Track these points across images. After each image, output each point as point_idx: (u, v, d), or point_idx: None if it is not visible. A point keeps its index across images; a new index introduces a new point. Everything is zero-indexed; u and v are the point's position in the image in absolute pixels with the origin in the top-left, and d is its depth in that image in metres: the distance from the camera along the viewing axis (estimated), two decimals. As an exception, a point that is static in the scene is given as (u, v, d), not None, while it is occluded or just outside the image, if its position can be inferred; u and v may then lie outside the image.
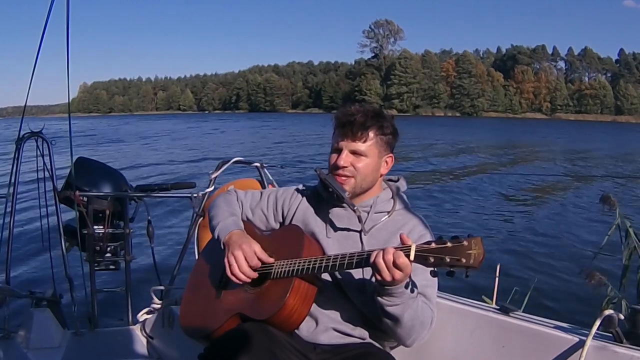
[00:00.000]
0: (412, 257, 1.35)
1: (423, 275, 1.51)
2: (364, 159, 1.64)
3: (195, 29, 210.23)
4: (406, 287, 1.44)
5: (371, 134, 1.63)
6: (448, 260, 1.30)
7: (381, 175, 1.71)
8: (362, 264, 1.44)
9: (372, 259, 1.39)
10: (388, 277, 1.37)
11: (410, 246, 1.36)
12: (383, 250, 1.38)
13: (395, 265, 1.36)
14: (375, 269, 1.38)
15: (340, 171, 1.63)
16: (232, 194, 1.86)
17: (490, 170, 17.98)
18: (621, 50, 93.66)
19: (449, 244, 1.31)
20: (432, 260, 1.33)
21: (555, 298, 5.40)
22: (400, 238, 1.39)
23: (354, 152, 1.63)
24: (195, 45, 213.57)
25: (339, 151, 1.65)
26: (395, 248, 1.37)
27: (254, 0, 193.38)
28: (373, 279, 1.46)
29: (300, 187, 1.82)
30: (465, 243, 1.30)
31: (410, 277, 1.44)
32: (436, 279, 1.57)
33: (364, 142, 1.63)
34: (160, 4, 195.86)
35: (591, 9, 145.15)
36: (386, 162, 1.69)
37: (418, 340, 1.55)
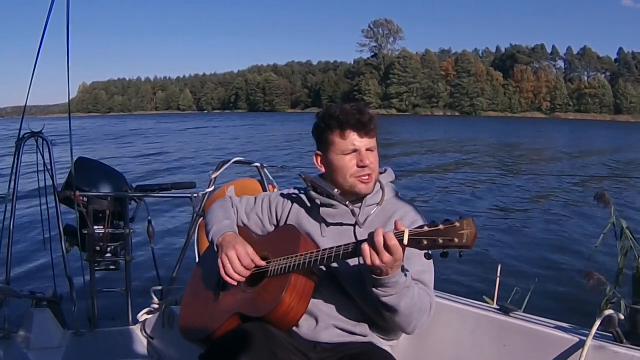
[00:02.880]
0: (405, 241, 1.35)
1: (418, 262, 1.52)
2: (375, 153, 1.67)
3: (194, 28, 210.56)
4: (399, 276, 1.44)
5: (375, 127, 1.67)
6: (441, 241, 1.31)
7: None
8: (357, 251, 1.44)
9: (363, 245, 1.40)
10: (378, 261, 1.37)
11: (403, 231, 1.36)
12: (373, 232, 1.38)
13: (386, 247, 1.36)
14: (365, 253, 1.39)
15: (366, 170, 1.64)
16: (227, 200, 1.89)
17: (489, 171, 17.97)
18: (620, 49, 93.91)
19: (440, 226, 1.32)
20: (425, 242, 1.33)
21: (555, 298, 5.39)
22: (395, 225, 1.40)
23: (369, 149, 1.65)
24: (194, 45, 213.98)
25: (356, 151, 1.64)
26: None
27: (254, 0, 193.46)
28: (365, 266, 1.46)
29: (290, 190, 1.84)
30: (457, 224, 1.31)
31: (403, 266, 1.44)
32: (431, 262, 1.58)
33: (374, 136, 1.66)
34: (159, 4, 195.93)
35: (590, 8, 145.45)
36: None
37: (418, 327, 1.55)
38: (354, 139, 1.63)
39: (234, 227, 1.74)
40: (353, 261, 1.54)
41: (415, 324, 1.54)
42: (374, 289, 1.46)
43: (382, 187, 1.73)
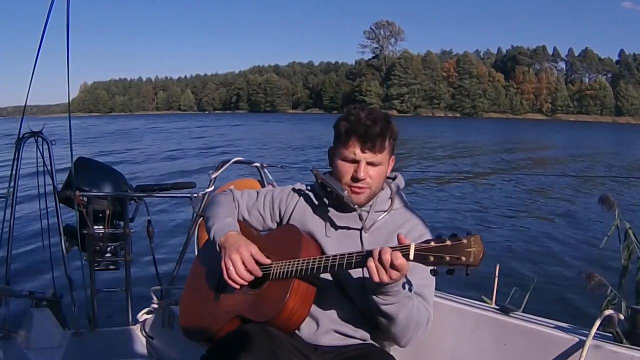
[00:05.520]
0: (411, 257, 1.33)
1: (421, 275, 1.50)
2: (379, 167, 1.60)
3: (195, 28, 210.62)
4: (402, 286, 1.43)
5: (386, 143, 1.58)
6: (448, 259, 1.29)
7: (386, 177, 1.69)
8: (361, 263, 1.42)
9: (369, 260, 1.38)
10: (385, 278, 1.36)
11: (409, 245, 1.34)
12: (380, 250, 1.36)
13: (392, 266, 1.34)
14: (372, 270, 1.37)
15: (359, 184, 1.59)
16: (228, 193, 1.83)
17: (490, 171, 17.97)
18: (621, 51, 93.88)
19: (448, 243, 1.30)
20: (431, 259, 1.31)
21: (555, 298, 5.40)
22: (398, 238, 1.38)
23: (371, 163, 1.58)
24: (196, 45, 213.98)
25: (355, 162, 1.58)
26: (393, 248, 1.36)
27: (255, 1, 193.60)
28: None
29: (297, 185, 1.79)
30: (464, 241, 1.28)
31: (406, 276, 1.43)
32: (434, 279, 1.55)
33: (382, 152, 1.58)
34: (160, 4, 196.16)
35: (591, 10, 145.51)
36: (389, 163, 1.66)
37: (413, 341, 1.54)
38: (356, 150, 1.57)
39: (236, 225, 1.69)
40: (357, 269, 1.51)
41: (410, 337, 1.53)
42: (374, 297, 1.45)
43: (392, 195, 1.69)
